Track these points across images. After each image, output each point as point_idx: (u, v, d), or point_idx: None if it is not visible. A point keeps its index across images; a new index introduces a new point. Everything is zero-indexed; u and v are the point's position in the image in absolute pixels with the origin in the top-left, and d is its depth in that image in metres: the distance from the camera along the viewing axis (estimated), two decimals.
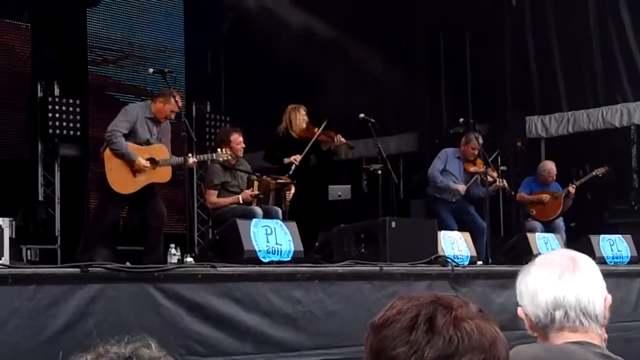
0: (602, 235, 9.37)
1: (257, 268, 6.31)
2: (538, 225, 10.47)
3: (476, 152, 10.01)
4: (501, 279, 7.37)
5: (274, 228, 6.94)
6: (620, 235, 9.55)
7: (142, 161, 7.87)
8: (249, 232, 6.72)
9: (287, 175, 9.08)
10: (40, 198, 12.04)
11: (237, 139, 8.71)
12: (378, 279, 6.73)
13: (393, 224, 7.41)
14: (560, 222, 10.70)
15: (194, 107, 13.29)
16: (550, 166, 10.85)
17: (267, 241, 6.77)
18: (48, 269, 5.51)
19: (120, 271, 5.49)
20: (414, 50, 13.73)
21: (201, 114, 13.57)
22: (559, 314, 2.26)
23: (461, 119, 10.14)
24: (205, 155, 8.76)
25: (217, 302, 5.83)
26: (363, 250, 7.44)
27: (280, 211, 8.60)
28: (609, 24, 12.09)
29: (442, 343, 1.49)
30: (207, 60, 14.87)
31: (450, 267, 7.33)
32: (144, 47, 13.90)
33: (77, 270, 5.30)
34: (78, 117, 11.96)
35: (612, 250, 9.27)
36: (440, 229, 8.31)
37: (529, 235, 9.26)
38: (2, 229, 5.63)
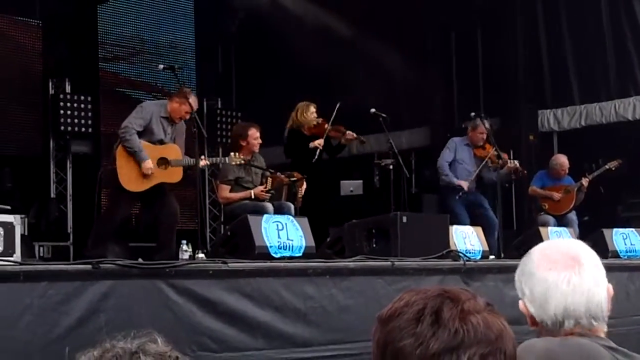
0: (615, 229, 9.31)
1: (268, 264, 6.29)
2: (551, 219, 10.45)
3: (484, 136, 10.01)
4: (513, 273, 7.30)
5: (286, 224, 6.91)
6: (633, 229, 9.50)
7: (147, 165, 7.82)
8: (260, 227, 6.70)
9: (313, 159, 9.05)
10: (53, 195, 12.08)
11: (255, 134, 8.68)
12: (390, 274, 6.71)
13: (404, 219, 7.38)
14: (573, 215, 10.66)
15: (205, 103, 13.27)
16: (562, 160, 10.81)
17: (279, 237, 6.76)
18: (59, 266, 5.49)
19: (132, 267, 5.48)
20: (425, 45, 13.72)
21: (212, 110, 13.59)
22: (568, 323, 2.27)
23: (472, 113, 10.10)
24: (217, 159, 8.74)
25: (228, 298, 5.81)
26: (375, 245, 7.41)
27: (292, 207, 8.59)
28: (621, 16, 12.02)
29: (447, 335, 1.49)
30: (217, 56, 14.88)
31: (462, 262, 7.29)
32: (154, 44, 13.93)
33: (89, 266, 5.28)
34: (89, 114, 12.00)
35: (625, 244, 9.21)
36: (452, 222, 8.29)
37: (541, 229, 9.22)
38: (14, 226, 5.62)
